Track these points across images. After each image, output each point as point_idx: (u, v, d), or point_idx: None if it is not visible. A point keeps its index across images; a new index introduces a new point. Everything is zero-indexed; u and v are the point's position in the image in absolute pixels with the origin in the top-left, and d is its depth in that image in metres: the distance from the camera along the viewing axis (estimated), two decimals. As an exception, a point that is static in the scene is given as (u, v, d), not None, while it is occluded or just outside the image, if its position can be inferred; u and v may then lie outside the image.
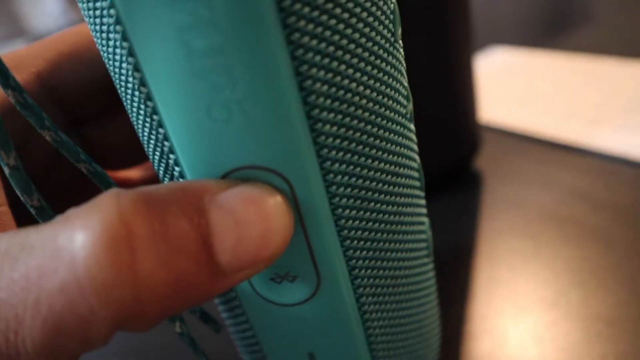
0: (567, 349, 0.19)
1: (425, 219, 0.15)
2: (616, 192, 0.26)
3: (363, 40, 0.11)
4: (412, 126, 0.14)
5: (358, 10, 0.10)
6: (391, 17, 0.12)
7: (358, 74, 0.11)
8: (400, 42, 0.12)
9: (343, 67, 0.10)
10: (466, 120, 0.28)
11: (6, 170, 0.11)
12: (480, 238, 0.25)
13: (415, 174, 0.14)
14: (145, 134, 0.11)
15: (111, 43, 0.10)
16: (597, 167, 0.29)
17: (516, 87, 0.39)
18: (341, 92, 0.11)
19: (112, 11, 0.10)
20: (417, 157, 0.14)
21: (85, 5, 0.10)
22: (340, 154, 0.11)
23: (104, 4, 0.10)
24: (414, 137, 0.14)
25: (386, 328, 0.14)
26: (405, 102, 0.13)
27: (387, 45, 0.12)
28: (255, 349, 0.15)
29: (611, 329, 0.19)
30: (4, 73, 0.11)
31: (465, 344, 0.20)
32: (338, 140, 0.11)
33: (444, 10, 0.25)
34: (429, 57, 0.25)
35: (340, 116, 0.11)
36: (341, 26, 0.10)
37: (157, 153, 0.12)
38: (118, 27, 0.10)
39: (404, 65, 0.13)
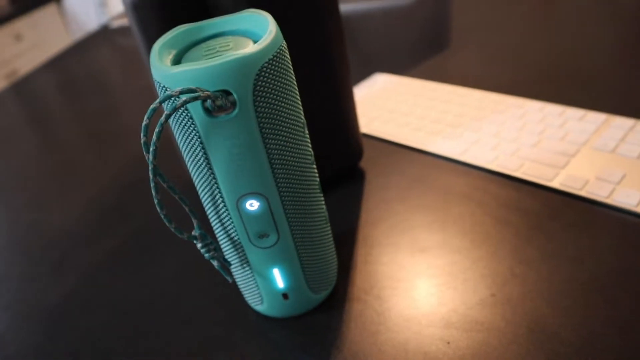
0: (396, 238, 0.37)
1: (323, 205, 0.32)
2: (440, 177, 0.45)
3: (292, 139, 0.27)
4: (314, 167, 0.30)
5: (289, 132, 0.27)
6: (302, 122, 0.28)
7: (291, 156, 0.27)
8: (307, 135, 0.29)
9: (284, 150, 0.27)
10: (352, 136, 0.46)
11: (155, 200, 0.26)
12: (363, 210, 0.43)
13: (317, 185, 0.31)
14: (204, 180, 0.27)
15: (194, 146, 0.26)
16: (431, 162, 0.47)
17: (386, 107, 0.57)
18: (283, 161, 0.27)
19: (197, 137, 0.25)
20: (317, 179, 0.31)
21: (180, 129, 0.26)
22: (286, 184, 0.28)
23: (194, 133, 0.25)
24: (316, 172, 0.31)
25: (309, 257, 0.31)
26: (310, 158, 0.30)
27: (302, 134, 0.28)
28: (248, 271, 0.31)
29: (432, 253, 0.37)
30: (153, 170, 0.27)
31: (355, 267, 0.38)
32: (284, 179, 0.28)
33: (329, 57, 0.42)
34: (321, 92, 0.42)
35: (284, 170, 0.27)
36: (284, 141, 0.27)
37: (207, 186, 0.27)
38: (200, 144, 0.26)
39: (311, 150, 0.30)
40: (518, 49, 0.66)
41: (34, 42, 2.50)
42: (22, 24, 2.42)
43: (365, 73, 0.68)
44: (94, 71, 0.97)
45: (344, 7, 0.98)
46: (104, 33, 1.24)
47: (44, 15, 2.55)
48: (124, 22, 1.27)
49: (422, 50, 0.72)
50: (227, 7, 0.37)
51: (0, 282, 0.45)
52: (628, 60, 0.57)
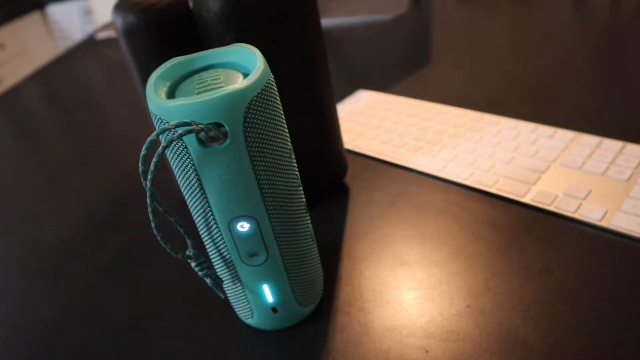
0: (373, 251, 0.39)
1: (310, 224, 0.34)
2: (420, 193, 0.47)
3: (280, 165, 0.29)
4: (301, 189, 0.33)
5: (280, 158, 0.29)
6: (289, 148, 0.30)
7: (279, 181, 0.30)
8: (294, 160, 0.31)
9: (272, 176, 0.29)
10: (337, 153, 0.48)
11: (152, 224, 0.28)
12: (348, 225, 0.45)
13: (303, 206, 0.33)
14: (198, 204, 0.29)
15: (188, 173, 0.28)
16: (412, 178, 0.50)
17: (370, 123, 0.60)
18: (272, 186, 0.29)
19: (191, 165, 0.27)
20: (304, 201, 0.33)
21: (175, 158, 0.28)
22: (274, 207, 0.30)
23: (188, 162, 0.27)
24: (302, 194, 0.33)
25: (296, 273, 0.34)
26: (297, 181, 0.32)
27: (289, 160, 0.30)
28: (239, 287, 0.33)
29: (412, 266, 0.40)
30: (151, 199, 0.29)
31: (341, 280, 0.40)
32: (273, 202, 0.30)
33: (314, 81, 0.44)
34: (306, 114, 0.44)
35: (273, 194, 0.29)
36: (273, 167, 0.29)
37: (201, 209, 0.29)
38: (194, 172, 0.28)
39: (298, 174, 0.32)
40: (494, 67, 0.69)
41: (17, 51, 2.48)
42: (5, 32, 2.41)
43: (349, 89, 0.71)
44: (81, 83, 0.98)
45: (327, 22, 1.00)
46: (90, 44, 1.25)
47: (28, 24, 2.54)
48: (110, 33, 1.29)
49: (404, 67, 0.74)
50: (216, 31, 0.39)
51: (-5, 298, 0.47)
52: (596, 80, 0.61)
